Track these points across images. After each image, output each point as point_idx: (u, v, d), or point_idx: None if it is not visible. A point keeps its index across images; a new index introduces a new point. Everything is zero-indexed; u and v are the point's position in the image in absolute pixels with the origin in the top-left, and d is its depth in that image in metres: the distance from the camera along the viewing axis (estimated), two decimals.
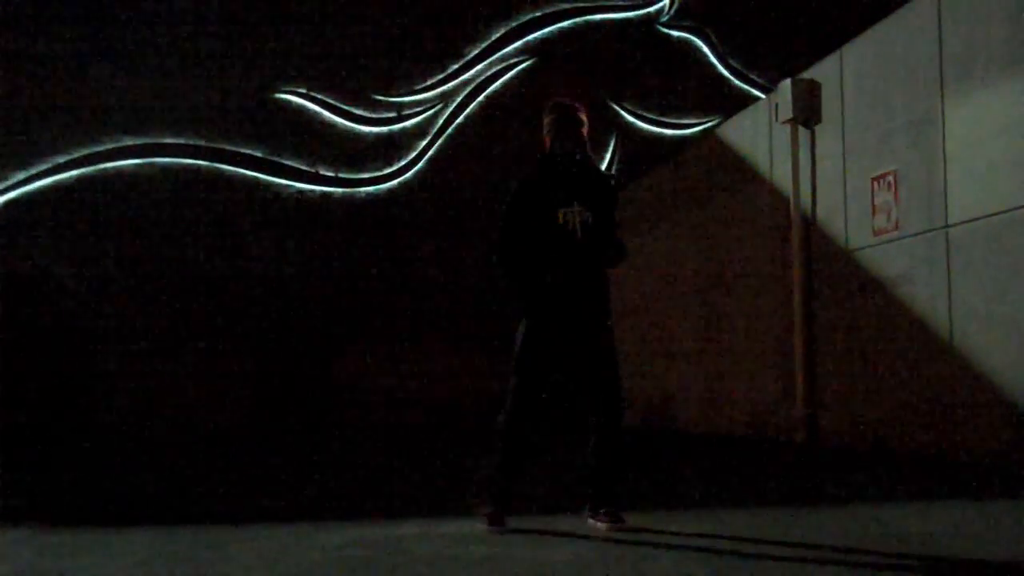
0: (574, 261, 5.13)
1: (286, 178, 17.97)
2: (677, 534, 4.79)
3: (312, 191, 18.02)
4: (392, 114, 18.34)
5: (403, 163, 18.23)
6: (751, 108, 11.96)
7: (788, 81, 10.14)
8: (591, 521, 5.10)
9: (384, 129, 18.27)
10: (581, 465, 5.25)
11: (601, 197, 5.28)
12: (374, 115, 18.27)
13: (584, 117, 5.37)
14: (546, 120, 5.38)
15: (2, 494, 7.97)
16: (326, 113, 18.14)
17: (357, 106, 18.22)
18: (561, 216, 5.12)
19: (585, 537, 4.79)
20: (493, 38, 18.61)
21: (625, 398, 5.29)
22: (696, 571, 3.92)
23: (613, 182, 5.49)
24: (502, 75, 18.59)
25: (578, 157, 5.30)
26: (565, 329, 5.14)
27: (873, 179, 8.92)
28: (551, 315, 5.14)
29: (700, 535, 4.75)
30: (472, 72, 18.53)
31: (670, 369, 13.52)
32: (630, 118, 18.80)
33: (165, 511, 6.52)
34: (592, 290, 5.20)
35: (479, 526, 5.08)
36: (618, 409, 5.18)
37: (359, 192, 18.10)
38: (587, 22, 18.92)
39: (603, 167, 5.11)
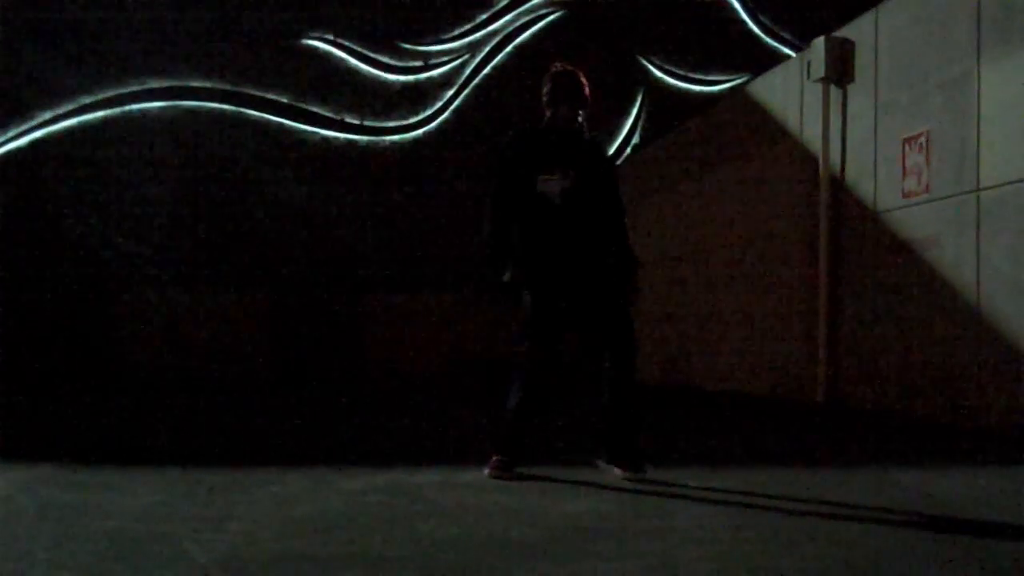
0: (555, 227, 5.19)
1: (311, 125, 17.93)
2: (697, 489, 4.79)
3: (337, 138, 17.98)
4: (419, 63, 18.24)
5: (429, 112, 18.16)
6: (782, 66, 11.82)
7: (821, 39, 9.99)
8: (603, 464, 5.23)
9: (411, 78, 18.19)
10: (596, 416, 5.29)
11: (593, 165, 5.35)
12: (401, 64, 18.18)
13: (584, 81, 5.38)
14: (545, 88, 5.40)
15: (25, 432, 8.04)
16: (352, 60, 18.06)
17: (384, 54, 18.13)
18: (539, 183, 5.17)
19: (605, 488, 4.79)
20: None
21: (636, 348, 5.31)
22: (716, 525, 3.91)
23: (605, 149, 5.57)
24: (530, 26, 18.46)
25: (576, 126, 5.36)
26: (567, 292, 5.22)
27: (905, 140, 8.81)
28: (551, 281, 5.21)
29: (721, 490, 4.74)
30: (500, 23, 18.40)
31: (693, 327, 13.48)
32: (658, 73, 18.66)
33: (185, 452, 6.56)
34: (584, 251, 5.24)
35: (484, 472, 5.15)
36: (630, 359, 5.22)
37: (384, 140, 18.05)
38: None
39: (596, 137, 5.14)
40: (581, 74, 5.39)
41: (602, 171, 5.39)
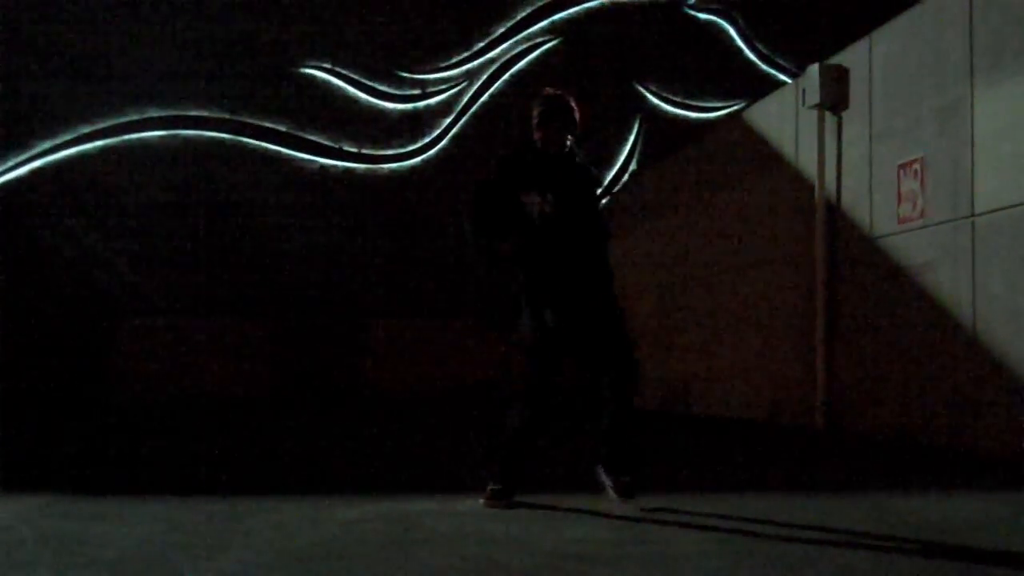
0: (536, 248, 5.18)
1: (309, 153, 17.99)
2: (696, 515, 4.79)
3: (335, 166, 18.04)
4: (417, 91, 18.33)
5: (427, 140, 18.23)
6: (778, 92, 11.88)
7: (816, 66, 10.05)
8: (604, 478, 5.17)
9: (408, 106, 18.26)
10: (594, 433, 5.27)
11: (578, 189, 5.29)
12: (399, 92, 18.27)
13: (575, 106, 5.33)
14: (534, 112, 5.32)
15: (25, 462, 8.04)
16: (350, 89, 18.14)
17: (382, 82, 18.22)
18: (527, 201, 5.15)
19: (603, 516, 4.79)
20: (519, 17, 18.56)
21: (636, 369, 5.31)
22: (714, 552, 3.92)
23: (594, 173, 5.53)
24: (527, 54, 18.55)
25: (565, 150, 5.31)
26: (565, 310, 5.15)
27: (900, 166, 8.85)
28: (549, 298, 5.16)
29: (718, 517, 4.74)
30: (497, 51, 18.49)
31: (690, 352, 13.49)
32: (655, 100, 18.74)
33: (184, 482, 6.56)
34: (570, 274, 5.19)
35: (480, 502, 5.12)
36: (629, 381, 5.20)
37: (382, 168, 18.11)
38: (614, 3, 18.83)
39: (585, 160, 5.08)
40: (571, 98, 5.34)
41: (586, 195, 5.33)
